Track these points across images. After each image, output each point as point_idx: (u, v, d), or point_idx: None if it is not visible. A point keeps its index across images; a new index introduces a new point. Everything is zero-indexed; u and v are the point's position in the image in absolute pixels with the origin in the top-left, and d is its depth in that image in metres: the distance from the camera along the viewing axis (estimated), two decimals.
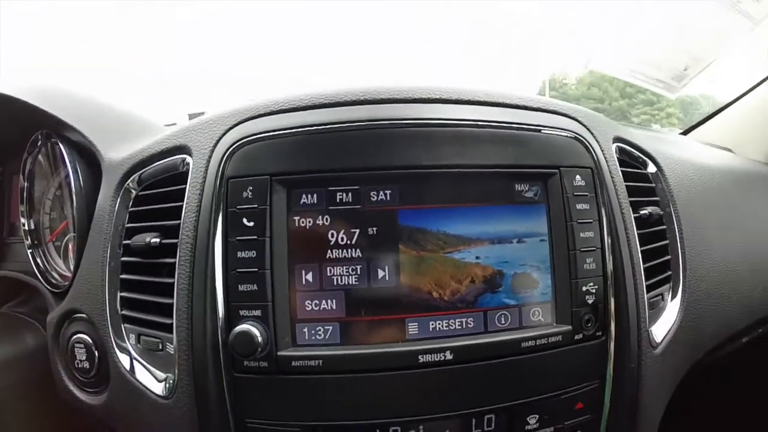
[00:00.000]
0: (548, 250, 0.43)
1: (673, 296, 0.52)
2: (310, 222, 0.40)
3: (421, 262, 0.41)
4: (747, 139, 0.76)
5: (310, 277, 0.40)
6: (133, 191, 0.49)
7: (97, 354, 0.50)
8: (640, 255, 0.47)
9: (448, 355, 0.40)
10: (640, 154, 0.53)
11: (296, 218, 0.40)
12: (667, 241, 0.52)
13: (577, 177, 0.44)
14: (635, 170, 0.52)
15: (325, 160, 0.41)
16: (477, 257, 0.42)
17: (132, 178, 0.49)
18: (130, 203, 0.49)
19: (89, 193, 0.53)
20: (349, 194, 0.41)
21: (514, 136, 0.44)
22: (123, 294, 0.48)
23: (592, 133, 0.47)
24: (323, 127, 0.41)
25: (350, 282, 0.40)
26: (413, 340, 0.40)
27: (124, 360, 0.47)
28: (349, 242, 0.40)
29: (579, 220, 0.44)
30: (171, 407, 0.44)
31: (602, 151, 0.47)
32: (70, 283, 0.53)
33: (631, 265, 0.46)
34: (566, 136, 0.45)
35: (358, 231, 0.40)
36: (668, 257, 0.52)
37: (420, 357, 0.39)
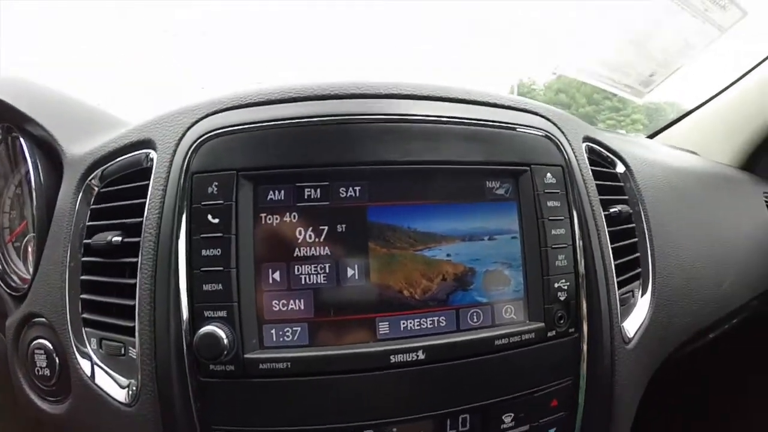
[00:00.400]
0: (520, 248, 0.42)
1: (643, 292, 0.51)
2: (277, 219, 0.38)
3: (391, 259, 0.39)
4: (711, 142, 0.77)
5: (277, 276, 0.38)
6: (95, 188, 0.46)
7: (57, 360, 0.47)
8: (611, 252, 0.46)
9: (421, 355, 0.38)
10: (609, 154, 0.53)
11: (263, 215, 0.38)
12: (636, 239, 0.52)
13: (548, 174, 0.43)
14: (604, 169, 0.51)
15: (293, 155, 0.38)
16: (448, 254, 0.40)
17: (94, 174, 0.46)
18: (92, 200, 0.46)
19: (50, 190, 0.50)
20: (318, 190, 0.38)
21: (485, 133, 0.42)
22: (84, 296, 0.45)
23: (562, 132, 0.46)
24: (292, 121, 0.39)
25: (319, 281, 0.38)
26: (384, 340, 0.38)
27: (85, 366, 0.44)
28: (317, 240, 0.38)
29: (550, 217, 0.42)
30: (134, 415, 0.40)
31: (572, 149, 0.46)
32: (29, 286, 0.49)
33: (602, 261, 0.45)
34: (537, 135, 0.44)
35: (326, 228, 0.38)
36: (638, 254, 0.51)
37: (391, 357, 0.37)
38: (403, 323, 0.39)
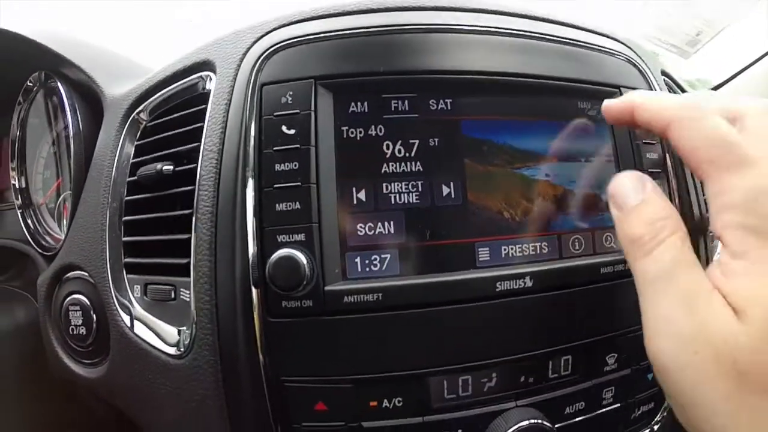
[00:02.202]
0: (616, 171, 0.34)
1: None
2: (361, 132, 0.29)
3: (489, 178, 0.30)
4: None
5: (362, 195, 0.29)
6: (142, 122, 0.37)
7: (95, 317, 0.36)
8: (701, 185, 0.38)
9: (528, 282, 0.29)
10: (681, 92, 0.46)
11: (345, 128, 0.29)
12: None
13: None
14: None
15: (377, 63, 0.30)
16: (546, 174, 0.32)
17: (141, 107, 0.37)
18: (138, 135, 0.37)
19: (88, 138, 0.40)
20: (406, 102, 0.30)
21: (575, 52, 0.35)
22: (126, 238, 0.35)
23: (644, 61, 0.39)
24: (374, 29, 0.31)
25: (411, 200, 0.29)
26: (485, 267, 0.29)
27: (125, 318, 0.34)
28: (408, 155, 0.29)
29: (644, 141, 0.35)
30: (186, 367, 0.30)
31: (655, 79, 0.39)
32: (63, 242, 0.39)
33: (695, 190, 0.37)
34: (624, 59, 0.37)
35: (417, 142, 0.30)
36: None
37: (498, 284, 0.28)
38: (505, 249, 0.30)
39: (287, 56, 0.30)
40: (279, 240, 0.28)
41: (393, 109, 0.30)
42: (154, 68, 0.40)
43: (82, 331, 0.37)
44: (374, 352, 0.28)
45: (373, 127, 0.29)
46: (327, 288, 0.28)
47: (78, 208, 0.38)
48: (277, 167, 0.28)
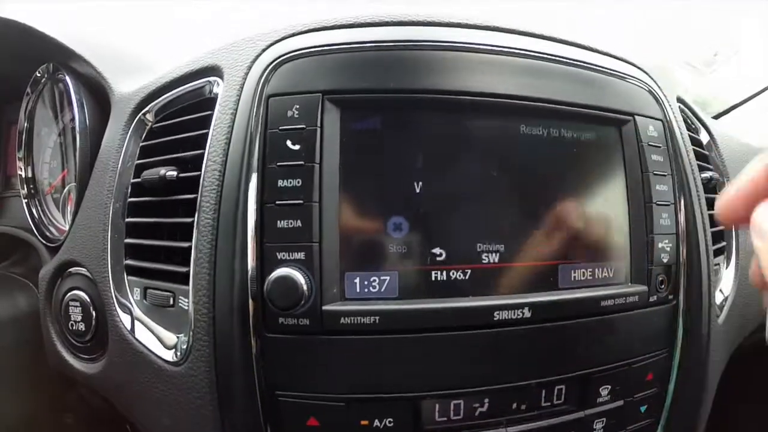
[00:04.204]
0: (624, 201, 0.33)
1: (727, 266, 0.42)
2: (368, 151, 0.29)
3: (493, 203, 0.30)
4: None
5: (365, 216, 0.28)
6: (148, 123, 0.36)
7: (94, 314, 0.37)
8: (708, 215, 0.37)
9: (527, 313, 0.29)
10: (696, 120, 0.44)
11: (351, 146, 0.29)
12: None
13: (651, 127, 0.35)
14: (691, 134, 0.43)
15: (387, 80, 0.29)
16: (550, 202, 0.31)
17: (148, 108, 0.37)
18: (143, 136, 0.36)
19: (94, 132, 0.40)
20: (415, 121, 0.29)
21: (589, 76, 0.34)
22: (128, 240, 0.35)
23: (660, 87, 0.38)
24: (387, 43, 0.30)
25: (415, 224, 0.28)
26: (483, 296, 0.29)
27: (125, 319, 0.34)
28: (415, 177, 0.29)
29: (655, 171, 0.34)
30: (182, 375, 0.30)
31: (670, 106, 0.38)
32: (67, 234, 0.39)
33: (702, 224, 0.36)
34: (640, 86, 0.36)
35: (425, 164, 0.29)
36: (722, 227, 0.43)
37: (496, 314, 0.28)
38: (505, 277, 0.29)
39: (295, 68, 0.30)
40: (279, 257, 0.27)
41: (401, 128, 0.29)
42: (162, 66, 0.39)
43: (81, 327, 0.37)
44: (368, 373, 0.28)
45: (380, 146, 0.29)
46: (325, 308, 0.27)
47: (81, 204, 0.38)
48: (280, 183, 0.28)
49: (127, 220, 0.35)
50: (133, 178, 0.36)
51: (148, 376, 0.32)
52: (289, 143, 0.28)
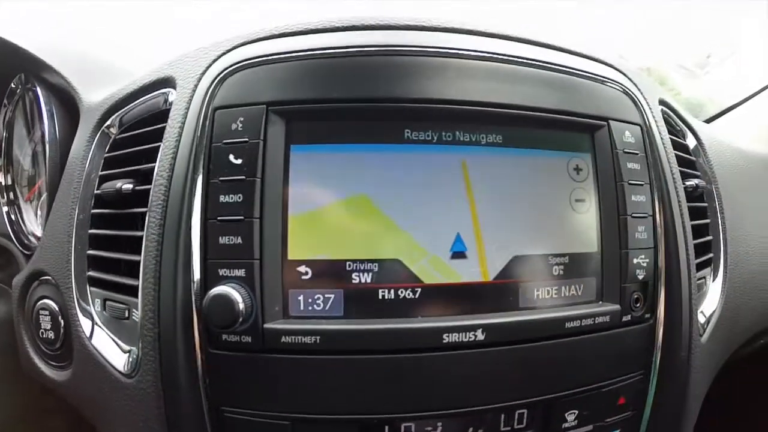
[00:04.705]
0: (595, 213, 0.31)
1: (714, 279, 0.39)
2: (313, 164, 0.28)
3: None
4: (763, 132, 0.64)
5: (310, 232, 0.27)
6: (111, 135, 0.36)
7: (62, 322, 0.37)
8: (691, 228, 0.35)
9: (480, 335, 0.27)
10: (682, 124, 0.41)
11: (296, 158, 0.28)
12: (708, 220, 0.40)
13: (627, 133, 0.32)
14: (676, 138, 0.40)
15: (333, 89, 0.28)
16: (510, 214, 0.29)
17: (111, 119, 0.37)
18: (107, 148, 0.36)
19: (65, 142, 0.40)
20: (362, 132, 0.28)
21: (559, 79, 0.31)
22: (90, 252, 0.35)
23: (639, 90, 0.35)
24: (334, 51, 0.29)
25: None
26: (435, 316, 0.28)
27: (86, 329, 0.34)
28: (362, 190, 0.28)
29: (630, 181, 0.32)
30: (134, 388, 0.30)
31: (650, 110, 0.35)
32: (38, 244, 0.40)
33: (684, 237, 0.34)
34: (615, 88, 0.33)
35: (372, 177, 0.28)
36: (709, 237, 0.40)
37: (445, 336, 0.27)
38: (456, 297, 0.28)
39: (241, 78, 0.29)
40: (220, 273, 0.27)
41: (348, 139, 0.28)
42: (137, 73, 0.39)
43: (51, 335, 0.38)
44: (313, 393, 0.27)
45: (326, 159, 0.28)
46: (266, 326, 0.27)
47: (50, 215, 0.39)
48: (222, 198, 0.27)
49: (89, 231, 0.35)
50: (96, 190, 0.36)
51: (107, 386, 0.32)
52: (231, 157, 0.27)
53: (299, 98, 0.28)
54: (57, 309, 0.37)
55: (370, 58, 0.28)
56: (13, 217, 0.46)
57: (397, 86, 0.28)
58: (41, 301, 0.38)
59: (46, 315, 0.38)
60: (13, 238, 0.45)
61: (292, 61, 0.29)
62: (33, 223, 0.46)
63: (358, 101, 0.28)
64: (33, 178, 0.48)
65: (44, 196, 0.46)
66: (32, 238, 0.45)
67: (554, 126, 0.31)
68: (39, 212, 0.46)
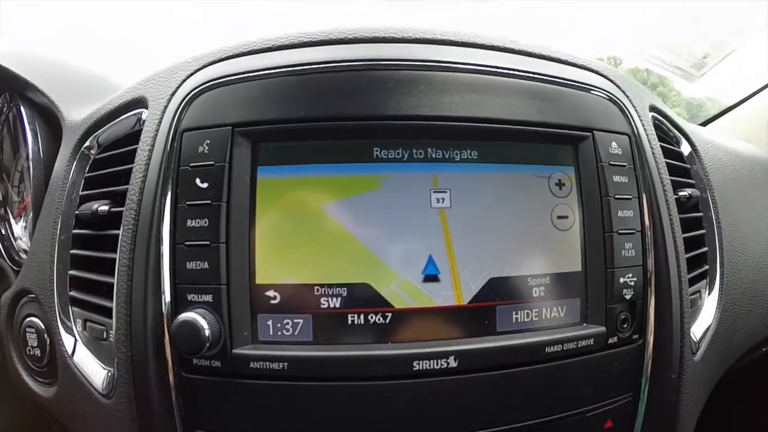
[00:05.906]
0: (578, 231, 0.30)
1: (710, 293, 0.38)
2: (279, 186, 0.27)
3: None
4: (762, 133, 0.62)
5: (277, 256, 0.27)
6: (91, 155, 0.37)
7: (48, 340, 0.37)
8: (682, 242, 0.33)
9: (452, 362, 0.26)
10: (675, 131, 0.39)
11: (262, 181, 0.27)
12: (704, 231, 0.38)
13: (613, 143, 0.31)
14: (669, 146, 0.38)
15: (301, 108, 0.27)
16: (489, 235, 0.28)
17: (90, 139, 0.37)
18: (87, 168, 0.37)
19: (50, 160, 0.41)
20: (329, 152, 0.27)
21: (539, 89, 0.30)
22: (72, 272, 0.35)
23: (628, 98, 0.34)
24: (299, 68, 0.28)
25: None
26: (406, 342, 0.27)
27: (69, 349, 0.34)
28: (330, 213, 0.27)
29: (616, 195, 0.30)
30: (111, 408, 0.30)
31: (640, 118, 0.33)
32: (24, 262, 0.40)
33: (675, 254, 0.32)
34: (601, 96, 0.32)
35: (339, 198, 0.27)
36: (705, 249, 0.38)
37: (415, 363, 0.26)
38: (428, 322, 0.27)
39: (207, 99, 0.28)
40: (189, 299, 0.27)
41: (315, 160, 0.27)
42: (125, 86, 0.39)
43: (37, 352, 0.38)
44: (282, 419, 0.27)
45: (293, 180, 0.27)
46: (234, 351, 0.26)
47: (34, 234, 0.39)
48: (189, 223, 0.27)
49: (71, 252, 0.35)
50: (77, 210, 0.36)
51: (88, 405, 0.33)
52: (198, 181, 0.27)
53: (264, 119, 0.27)
54: (42, 327, 0.38)
55: (335, 74, 0.27)
56: (3, 232, 0.47)
57: (364, 103, 0.27)
58: (28, 319, 0.39)
59: (32, 332, 0.39)
60: (3, 254, 0.46)
61: (256, 80, 0.28)
62: (23, 239, 0.47)
63: (323, 120, 0.27)
64: (22, 195, 0.49)
65: (31, 213, 0.46)
66: (22, 254, 0.46)
67: (533, 139, 0.29)
68: (28, 228, 0.47)
